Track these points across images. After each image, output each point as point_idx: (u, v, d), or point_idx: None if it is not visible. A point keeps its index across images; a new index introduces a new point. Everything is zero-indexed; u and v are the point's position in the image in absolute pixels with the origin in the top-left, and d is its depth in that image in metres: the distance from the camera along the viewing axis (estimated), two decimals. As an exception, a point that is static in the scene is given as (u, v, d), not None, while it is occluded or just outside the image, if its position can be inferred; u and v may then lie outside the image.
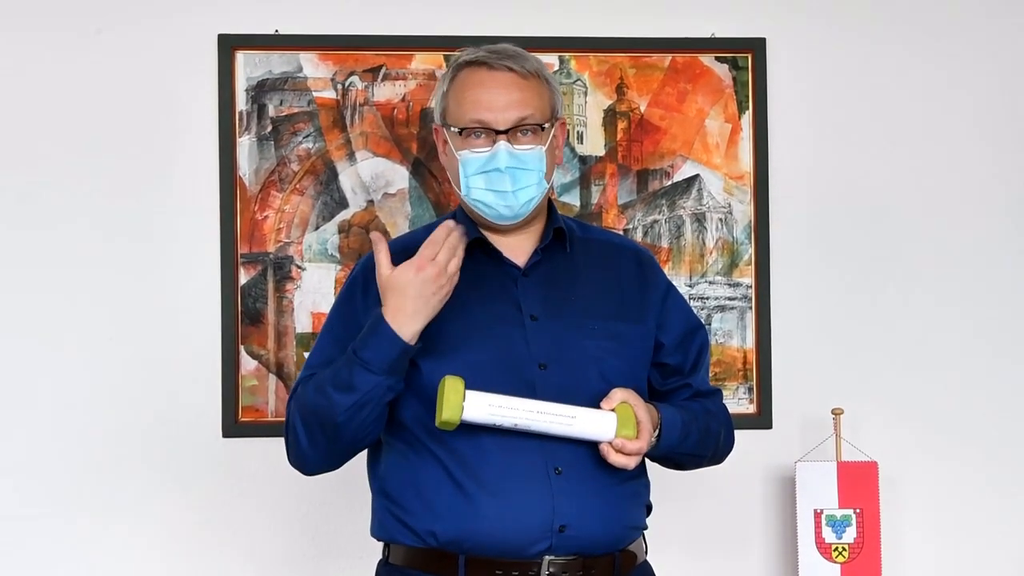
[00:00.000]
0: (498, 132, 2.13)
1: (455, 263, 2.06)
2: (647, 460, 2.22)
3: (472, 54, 2.18)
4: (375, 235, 2.11)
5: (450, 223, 2.09)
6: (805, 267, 3.25)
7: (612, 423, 2.07)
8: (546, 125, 2.16)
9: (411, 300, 2.04)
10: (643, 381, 2.23)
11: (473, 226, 2.22)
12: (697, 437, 2.22)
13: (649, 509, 2.26)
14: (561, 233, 2.23)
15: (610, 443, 2.07)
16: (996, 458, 3.27)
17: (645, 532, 2.25)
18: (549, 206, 2.26)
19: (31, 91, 3.12)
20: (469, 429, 2.05)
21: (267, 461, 3.03)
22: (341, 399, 2.07)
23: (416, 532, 2.12)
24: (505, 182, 2.13)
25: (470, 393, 2.02)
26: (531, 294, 2.18)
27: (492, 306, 2.16)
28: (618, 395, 2.09)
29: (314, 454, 2.16)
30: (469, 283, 2.16)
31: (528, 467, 2.08)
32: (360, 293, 2.20)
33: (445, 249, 2.05)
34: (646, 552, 2.26)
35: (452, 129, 2.16)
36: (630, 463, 2.09)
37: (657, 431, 2.13)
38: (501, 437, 2.08)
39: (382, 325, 2.05)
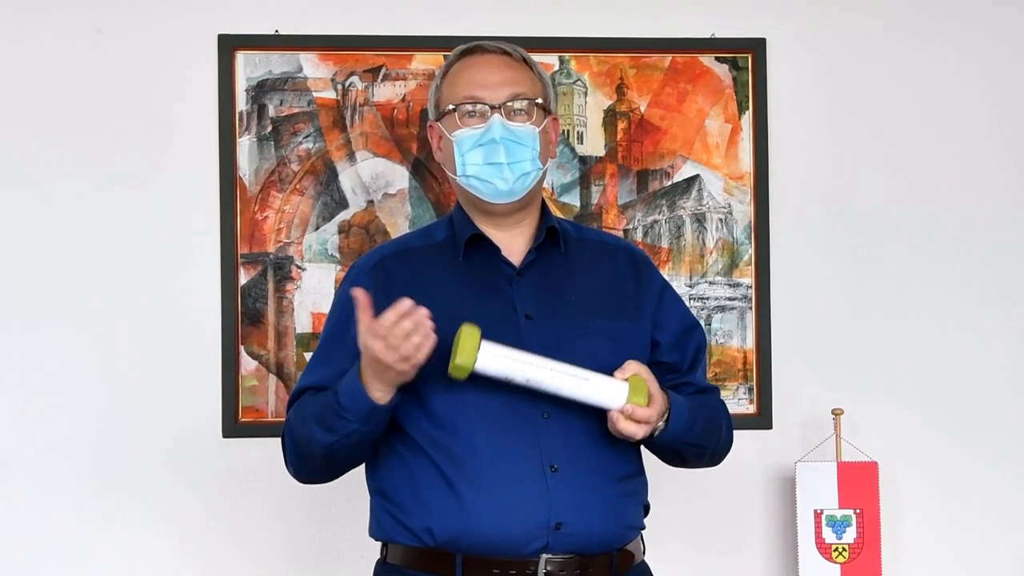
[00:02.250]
0: (492, 107, 2.16)
1: (416, 345, 1.97)
2: (648, 456, 2.23)
3: (465, 45, 2.24)
4: (358, 292, 2.03)
5: (407, 303, 1.98)
6: (805, 267, 3.24)
7: (624, 391, 2.06)
8: (539, 101, 2.19)
9: (371, 366, 2.02)
10: (638, 380, 2.23)
11: (470, 222, 2.23)
12: (702, 427, 2.21)
13: (647, 509, 2.26)
14: (555, 232, 2.23)
15: (620, 410, 2.06)
16: (996, 458, 3.26)
17: (643, 532, 2.25)
18: (543, 207, 2.27)
19: (31, 90, 3.12)
20: (463, 430, 2.06)
21: (267, 461, 3.04)
22: (322, 436, 2.10)
23: (413, 531, 2.12)
24: (500, 153, 2.15)
25: (486, 343, 2.02)
26: (526, 293, 2.18)
27: (487, 305, 2.16)
28: (632, 366, 2.10)
29: (304, 473, 2.22)
30: (464, 282, 2.18)
31: (523, 465, 2.08)
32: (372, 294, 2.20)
33: (407, 321, 1.97)
34: (644, 552, 2.26)
35: (448, 108, 2.19)
36: (639, 431, 2.08)
37: (666, 415, 2.13)
38: (495, 436, 2.09)
39: (355, 380, 2.05)
